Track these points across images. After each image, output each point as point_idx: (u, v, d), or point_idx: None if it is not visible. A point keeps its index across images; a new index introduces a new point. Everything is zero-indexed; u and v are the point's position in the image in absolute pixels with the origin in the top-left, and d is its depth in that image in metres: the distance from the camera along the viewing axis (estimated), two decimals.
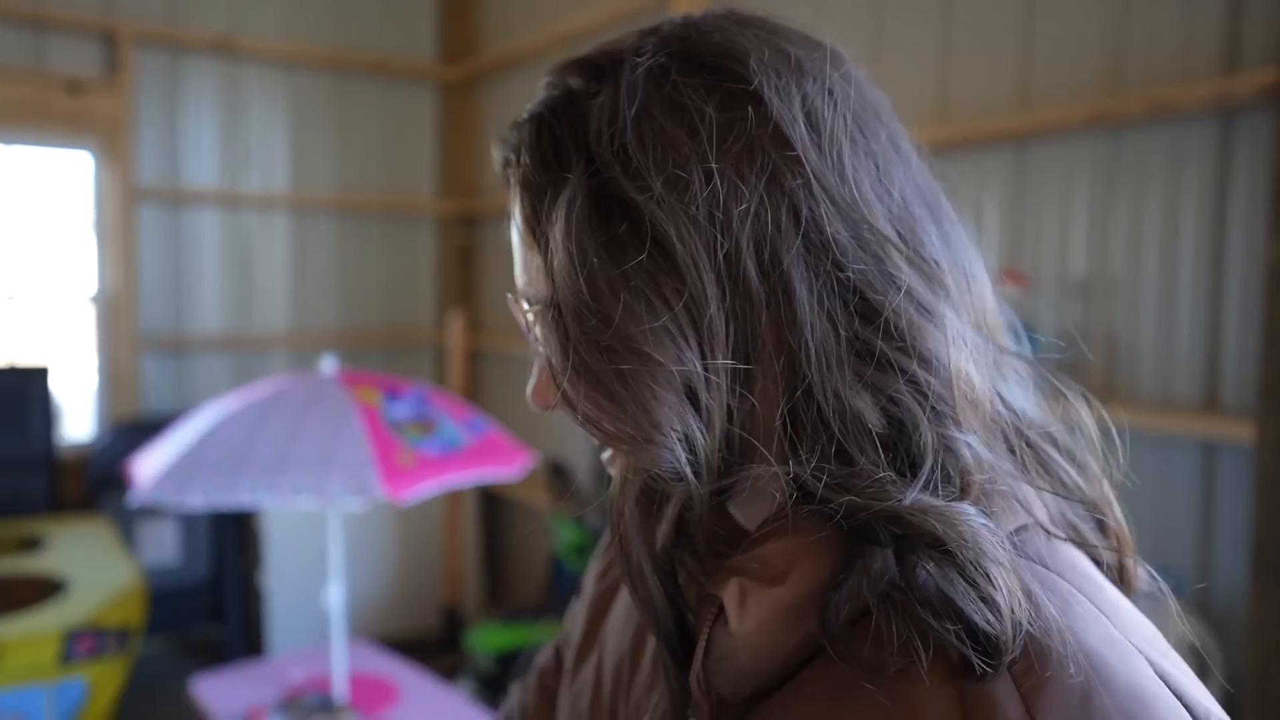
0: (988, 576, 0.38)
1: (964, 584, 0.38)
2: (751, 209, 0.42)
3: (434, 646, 3.47)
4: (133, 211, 3.50)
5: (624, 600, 0.61)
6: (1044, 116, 1.81)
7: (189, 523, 3.44)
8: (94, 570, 2.48)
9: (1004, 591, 0.38)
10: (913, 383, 0.41)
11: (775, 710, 0.44)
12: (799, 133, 0.43)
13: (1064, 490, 0.46)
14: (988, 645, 0.37)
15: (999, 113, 1.97)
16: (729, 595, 0.43)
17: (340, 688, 2.02)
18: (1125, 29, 1.75)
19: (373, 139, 4.09)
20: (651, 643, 0.55)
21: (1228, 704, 1.57)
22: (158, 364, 3.66)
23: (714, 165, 0.42)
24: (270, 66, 3.81)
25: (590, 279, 0.42)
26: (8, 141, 3.37)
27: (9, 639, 2.11)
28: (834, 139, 0.43)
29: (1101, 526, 0.48)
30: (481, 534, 3.92)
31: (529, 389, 0.50)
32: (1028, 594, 0.39)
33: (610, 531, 0.47)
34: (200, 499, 1.66)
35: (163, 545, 3.33)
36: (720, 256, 0.41)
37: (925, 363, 0.42)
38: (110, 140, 3.43)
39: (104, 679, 2.26)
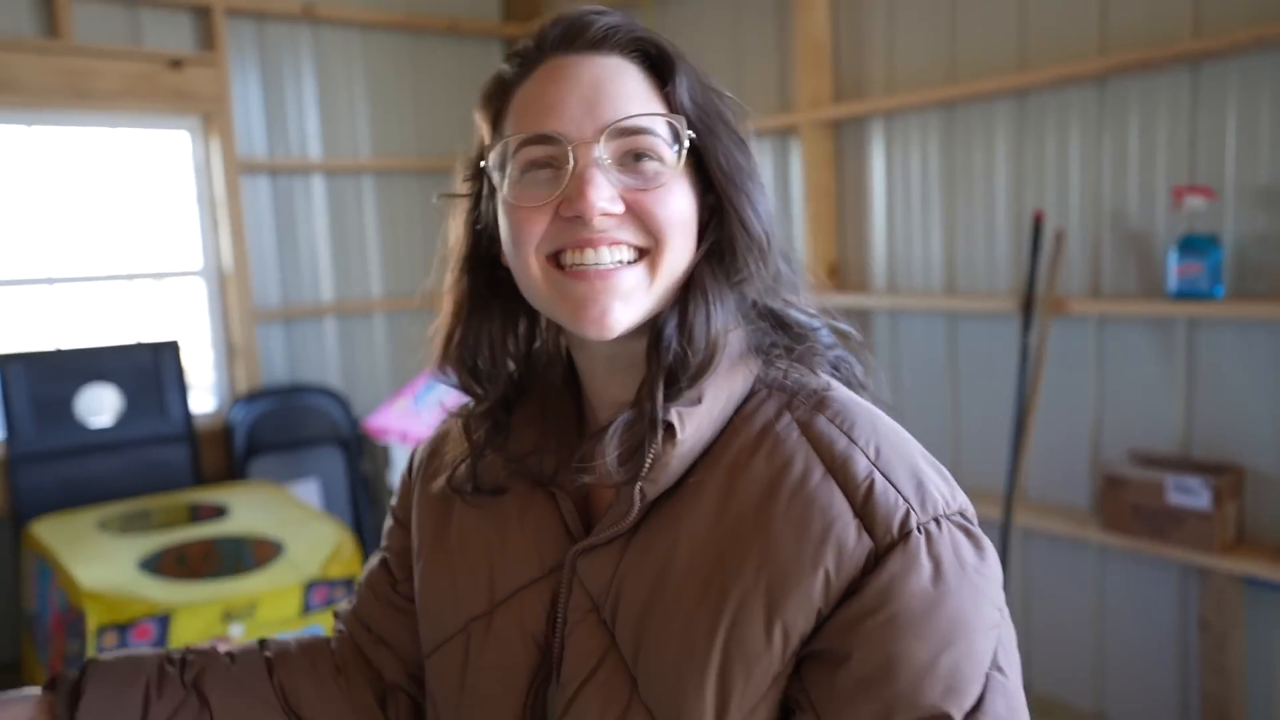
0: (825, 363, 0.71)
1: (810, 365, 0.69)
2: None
3: None
4: (238, 185, 3.54)
5: (470, 511, 0.76)
6: (1222, 40, 1.95)
7: (329, 481, 3.56)
8: (302, 529, 2.60)
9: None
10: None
11: (686, 494, 0.65)
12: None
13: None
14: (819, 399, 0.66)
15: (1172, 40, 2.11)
16: (674, 418, 0.63)
17: None
18: None
19: (449, 101, 4.13)
20: (517, 521, 0.72)
21: None
22: (270, 334, 3.73)
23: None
24: (350, 33, 3.82)
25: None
26: (116, 124, 3.38)
27: (261, 593, 2.24)
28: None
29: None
30: None
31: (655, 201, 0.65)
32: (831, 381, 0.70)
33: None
34: None
35: (309, 500, 3.45)
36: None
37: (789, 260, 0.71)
38: (212, 114, 3.46)
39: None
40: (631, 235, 0.64)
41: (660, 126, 0.64)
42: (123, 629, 2.08)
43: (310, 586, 2.32)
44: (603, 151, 0.62)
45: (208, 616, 2.16)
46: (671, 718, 0.61)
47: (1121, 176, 2.31)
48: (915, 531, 0.59)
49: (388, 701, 0.84)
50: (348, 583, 2.42)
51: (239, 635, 2.22)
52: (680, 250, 0.65)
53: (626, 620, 0.64)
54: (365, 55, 3.87)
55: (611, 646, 0.65)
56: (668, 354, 0.64)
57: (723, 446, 0.65)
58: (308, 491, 3.51)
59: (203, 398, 3.64)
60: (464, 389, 0.75)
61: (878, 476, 0.61)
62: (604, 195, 0.62)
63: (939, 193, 2.75)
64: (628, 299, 0.64)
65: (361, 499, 3.62)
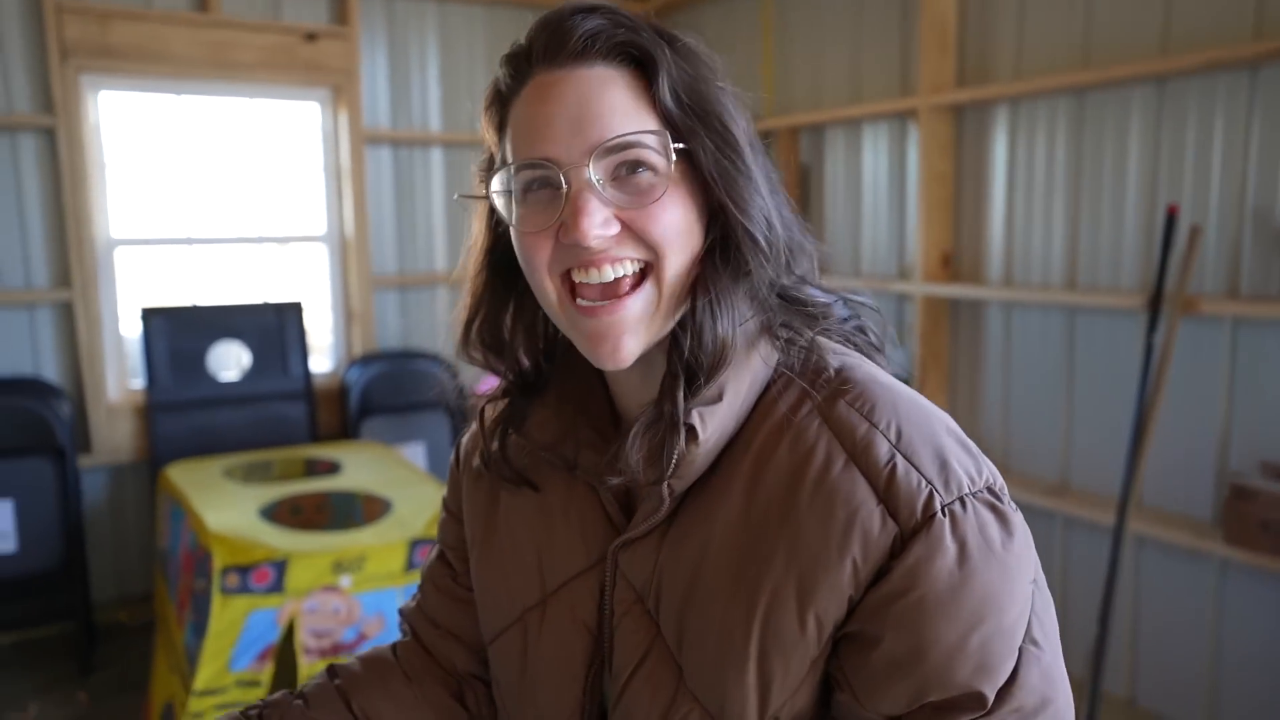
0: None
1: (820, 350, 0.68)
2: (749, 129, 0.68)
3: None
4: (363, 155, 3.67)
5: (516, 503, 0.78)
6: None
7: (434, 445, 3.68)
8: (409, 489, 2.71)
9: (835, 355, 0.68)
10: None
11: (716, 486, 0.66)
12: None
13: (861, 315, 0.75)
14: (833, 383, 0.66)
15: None
16: (695, 420, 0.64)
17: None
18: None
19: None
20: (561, 513, 0.74)
21: None
22: (386, 300, 3.87)
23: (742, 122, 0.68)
24: (473, 9, 3.91)
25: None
26: (253, 94, 3.55)
27: (369, 547, 2.35)
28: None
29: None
30: None
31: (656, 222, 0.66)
32: (844, 363, 0.68)
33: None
34: None
35: (416, 462, 3.58)
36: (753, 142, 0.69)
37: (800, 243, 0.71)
38: (342, 86, 3.59)
39: None
40: (632, 250, 0.64)
41: (649, 137, 0.63)
42: (244, 570, 2.21)
43: (415, 544, 2.42)
44: (593, 172, 0.63)
45: (320, 565, 2.28)
46: (717, 705, 0.63)
47: (1270, 171, 2.17)
48: (939, 514, 0.59)
49: (464, 693, 0.87)
50: None
51: (348, 585, 2.33)
52: (681, 258, 0.65)
53: (669, 611, 0.66)
54: (487, 31, 3.95)
55: (657, 636, 0.67)
56: (681, 354, 0.65)
57: (747, 437, 0.66)
58: (414, 454, 3.64)
59: (321, 358, 3.81)
60: (487, 369, 0.78)
61: (899, 459, 0.61)
62: (597, 221, 0.62)
63: (1064, 183, 2.64)
64: (636, 330, 0.65)
65: None
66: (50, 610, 3.11)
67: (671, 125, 0.64)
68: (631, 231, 0.64)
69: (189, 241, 3.55)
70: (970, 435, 0.66)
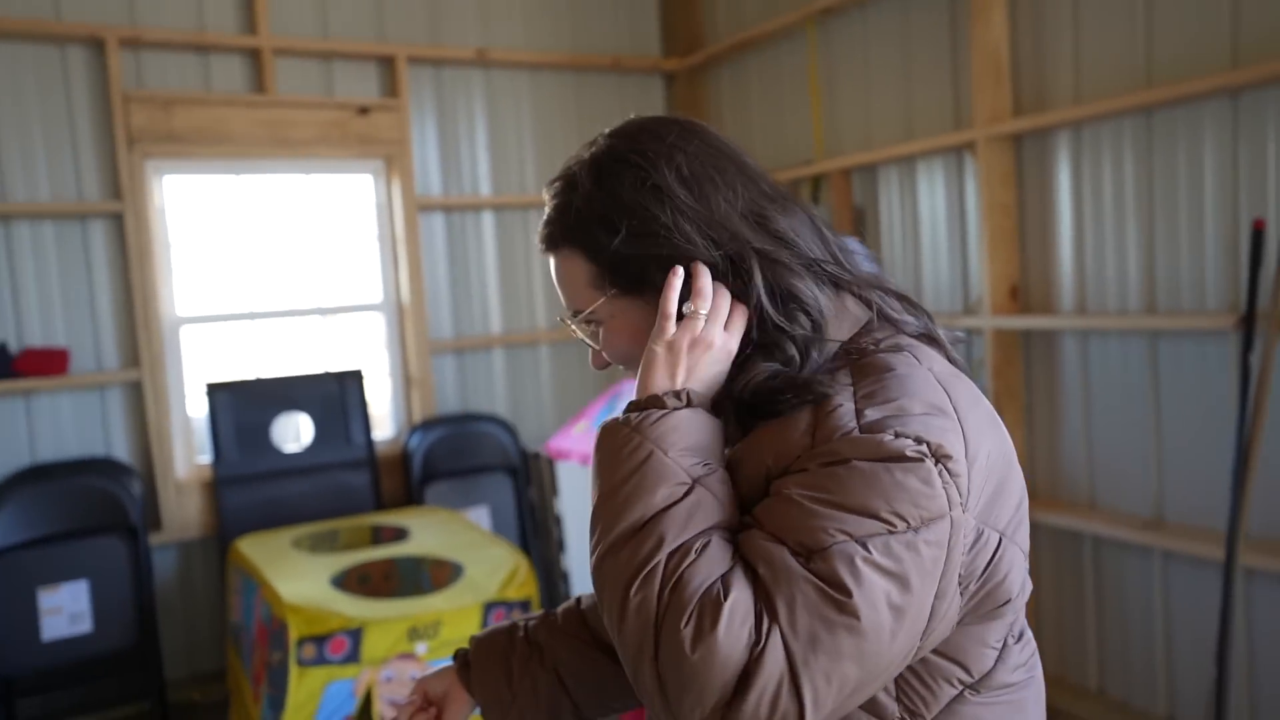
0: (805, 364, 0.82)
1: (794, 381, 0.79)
2: (665, 225, 0.82)
3: None
4: (416, 222, 3.72)
5: None
6: None
7: (498, 507, 3.64)
8: (480, 552, 2.66)
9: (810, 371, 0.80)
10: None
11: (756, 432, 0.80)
12: (673, 185, 0.82)
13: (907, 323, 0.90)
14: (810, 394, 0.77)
15: None
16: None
17: None
18: None
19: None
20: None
21: None
22: (443, 364, 3.87)
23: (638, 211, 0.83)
24: (518, 74, 3.98)
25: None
26: (309, 169, 3.63)
27: (444, 613, 2.30)
28: (694, 180, 0.83)
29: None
30: None
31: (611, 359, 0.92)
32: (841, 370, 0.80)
33: None
34: None
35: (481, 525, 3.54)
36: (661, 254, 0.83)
37: (775, 290, 0.81)
38: (394, 156, 3.66)
39: None
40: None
41: (587, 313, 0.88)
42: (320, 641, 2.17)
43: (489, 607, 2.37)
44: (577, 329, 0.90)
45: (395, 633, 2.23)
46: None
47: None
48: (848, 434, 0.71)
49: None
50: (524, 604, 2.45)
51: (424, 652, 2.28)
52: None
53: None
54: (533, 95, 4.01)
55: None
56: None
57: None
58: (479, 517, 3.60)
59: (382, 425, 3.81)
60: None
61: (848, 406, 0.73)
62: (594, 356, 0.93)
63: (1135, 205, 2.56)
64: None
65: (529, 526, 3.68)
66: (124, 691, 3.09)
67: (613, 283, 0.85)
68: None
69: (250, 316, 3.60)
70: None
